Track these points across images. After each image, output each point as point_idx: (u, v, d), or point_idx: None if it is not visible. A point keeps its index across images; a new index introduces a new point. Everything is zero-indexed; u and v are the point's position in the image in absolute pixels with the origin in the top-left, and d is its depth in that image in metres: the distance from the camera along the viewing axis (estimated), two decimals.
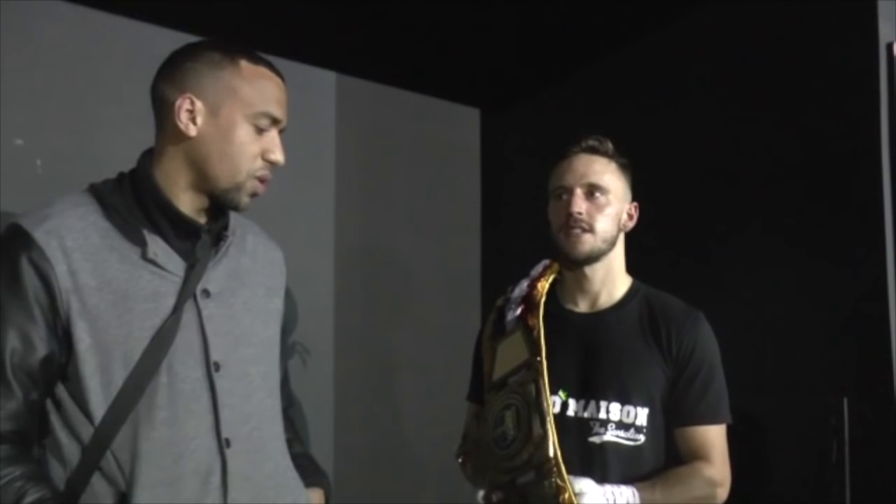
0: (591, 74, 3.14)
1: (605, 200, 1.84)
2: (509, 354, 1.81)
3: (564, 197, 1.86)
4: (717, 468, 1.81)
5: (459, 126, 3.59)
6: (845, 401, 2.19)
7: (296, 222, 3.07)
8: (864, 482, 2.17)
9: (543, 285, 1.86)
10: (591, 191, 1.85)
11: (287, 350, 1.61)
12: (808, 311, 2.34)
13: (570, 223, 1.84)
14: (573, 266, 1.88)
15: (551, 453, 1.63)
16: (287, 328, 1.63)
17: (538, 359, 1.73)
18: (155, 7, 2.55)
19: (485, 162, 3.61)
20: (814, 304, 2.33)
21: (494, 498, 1.70)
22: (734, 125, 2.62)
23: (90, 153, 2.47)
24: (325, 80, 3.20)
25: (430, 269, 3.40)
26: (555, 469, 1.62)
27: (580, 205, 1.83)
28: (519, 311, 1.83)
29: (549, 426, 1.65)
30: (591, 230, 1.83)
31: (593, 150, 1.88)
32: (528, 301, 1.84)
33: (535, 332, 1.77)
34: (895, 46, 2.23)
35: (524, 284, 1.89)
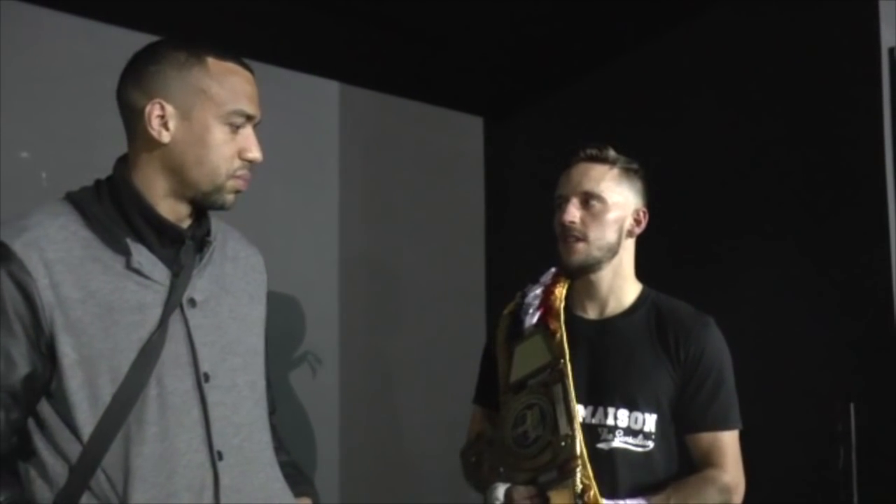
0: (595, 82, 3.14)
1: (602, 208, 1.84)
2: (528, 357, 1.81)
3: (563, 206, 1.87)
4: (731, 474, 1.80)
5: (463, 134, 3.59)
6: (851, 407, 2.19)
7: (300, 231, 3.08)
8: (870, 488, 2.16)
9: (561, 291, 1.87)
10: (587, 199, 1.84)
11: (268, 354, 1.59)
12: (815, 318, 2.33)
13: (564, 232, 1.85)
14: (572, 275, 1.89)
15: (578, 451, 1.64)
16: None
17: (563, 361, 1.74)
18: (159, 19, 2.56)
19: (489, 170, 3.61)
20: (820, 310, 2.33)
21: (516, 495, 1.69)
22: (738, 131, 2.62)
23: (95, 165, 2.47)
24: (328, 89, 3.22)
25: (434, 277, 3.40)
26: (580, 468, 1.63)
27: (573, 213, 1.83)
28: (538, 315, 1.84)
29: (577, 425, 1.66)
30: (584, 239, 1.83)
31: (592, 158, 1.88)
32: (547, 305, 1.84)
33: (559, 336, 1.78)
34: None
35: (538, 290, 1.90)
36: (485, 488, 1.79)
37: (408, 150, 3.42)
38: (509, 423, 1.74)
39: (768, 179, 2.52)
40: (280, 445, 1.58)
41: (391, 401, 3.29)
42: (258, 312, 1.55)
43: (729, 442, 1.82)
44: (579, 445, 1.65)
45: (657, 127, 2.85)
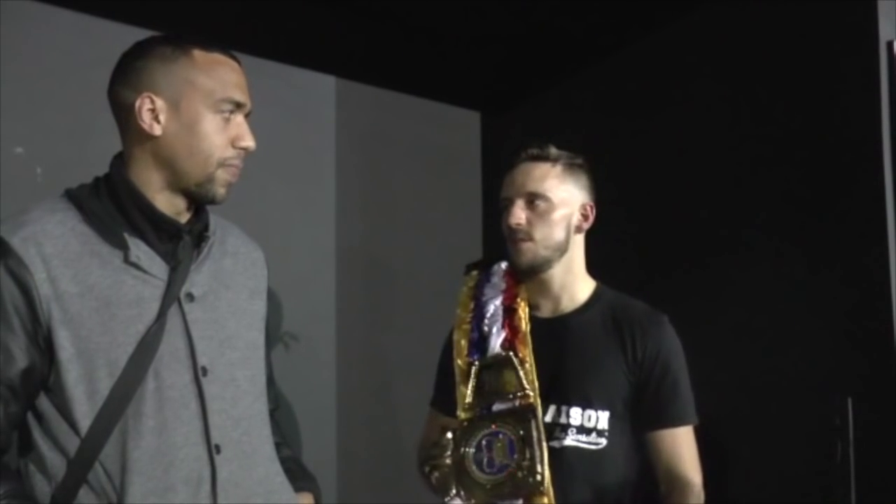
0: (592, 77, 3.14)
1: (547, 207, 1.84)
2: (495, 380, 1.82)
3: (508, 208, 1.87)
4: (693, 476, 1.82)
5: (460, 129, 3.58)
6: (849, 401, 2.19)
7: (297, 226, 3.07)
8: (868, 483, 2.16)
9: (524, 310, 1.86)
10: (531, 199, 1.85)
11: (269, 351, 1.59)
12: (813, 312, 2.33)
13: (512, 235, 1.86)
14: (523, 276, 1.89)
15: (545, 488, 1.68)
16: (273, 330, 1.61)
17: (533, 394, 1.75)
18: (153, 14, 2.55)
19: (486, 165, 3.61)
20: (818, 304, 2.32)
21: None
22: (735, 126, 2.62)
23: (90, 161, 2.46)
24: (324, 84, 3.20)
25: (431, 272, 3.39)
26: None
27: (518, 215, 1.84)
28: (503, 336, 1.84)
29: (546, 462, 1.69)
30: (531, 239, 1.84)
31: (534, 158, 1.88)
32: (513, 327, 1.84)
33: (528, 366, 1.79)
34: None
35: (496, 300, 1.88)
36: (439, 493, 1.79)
37: (405, 144, 3.41)
38: (472, 446, 1.76)
39: (766, 174, 2.51)
40: (282, 441, 1.58)
41: (389, 396, 3.29)
42: (258, 308, 1.56)
43: (687, 437, 1.85)
44: (547, 482, 1.68)
45: (654, 122, 2.84)
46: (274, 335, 2.90)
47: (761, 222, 2.51)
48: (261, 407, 1.51)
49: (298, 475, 1.58)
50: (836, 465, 2.18)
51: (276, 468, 1.51)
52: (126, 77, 1.41)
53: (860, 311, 2.23)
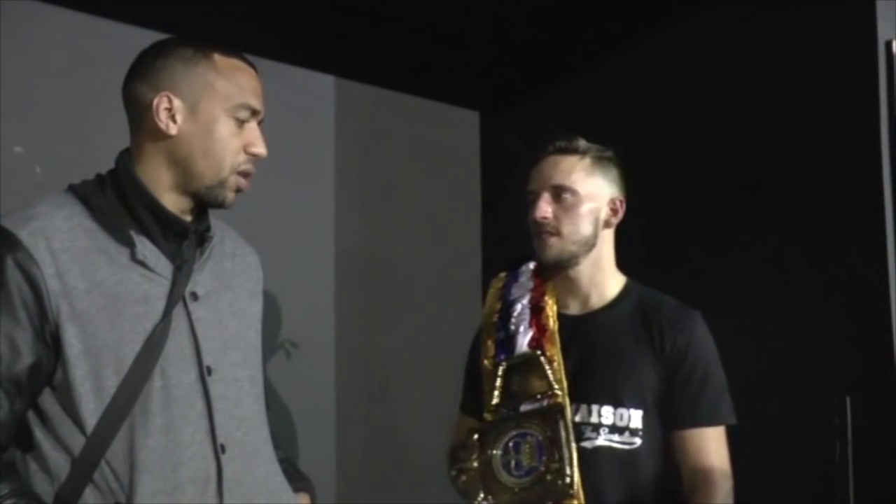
0: (591, 76, 3.14)
1: (574, 200, 1.79)
2: (521, 380, 1.78)
3: (534, 201, 1.82)
4: (717, 472, 1.74)
5: (459, 129, 3.59)
6: (848, 400, 2.19)
7: (296, 226, 3.07)
8: (867, 481, 2.16)
9: (552, 308, 1.82)
10: (558, 192, 1.80)
11: (264, 353, 1.60)
12: (811, 312, 2.34)
13: (538, 228, 1.81)
14: (550, 271, 1.85)
15: (575, 490, 1.64)
16: (270, 332, 1.61)
17: (561, 393, 1.71)
18: (153, 13, 2.56)
19: (485, 165, 3.61)
20: (817, 305, 2.33)
21: None
22: (734, 125, 2.62)
23: (90, 160, 2.46)
24: (324, 84, 3.21)
25: (430, 271, 3.40)
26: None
27: (544, 209, 1.79)
28: (530, 335, 1.79)
29: (576, 463, 1.65)
30: (557, 233, 1.79)
31: (562, 151, 1.83)
32: (540, 325, 1.80)
33: (556, 364, 1.74)
34: (894, 44, 2.23)
35: (524, 299, 1.85)
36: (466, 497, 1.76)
37: (403, 144, 3.41)
38: (499, 448, 1.72)
39: (764, 173, 2.52)
40: (276, 443, 1.59)
41: (388, 396, 3.29)
42: (256, 309, 1.56)
43: (714, 438, 1.76)
44: (576, 485, 1.64)
45: (652, 122, 2.85)
46: (271, 338, 2.91)
47: (760, 222, 2.51)
48: (260, 407, 1.52)
49: (294, 476, 1.59)
50: (834, 465, 2.19)
51: (276, 468, 1.52)
52: (145, 75, 1.41)
53: (859, 311, 2.24)
